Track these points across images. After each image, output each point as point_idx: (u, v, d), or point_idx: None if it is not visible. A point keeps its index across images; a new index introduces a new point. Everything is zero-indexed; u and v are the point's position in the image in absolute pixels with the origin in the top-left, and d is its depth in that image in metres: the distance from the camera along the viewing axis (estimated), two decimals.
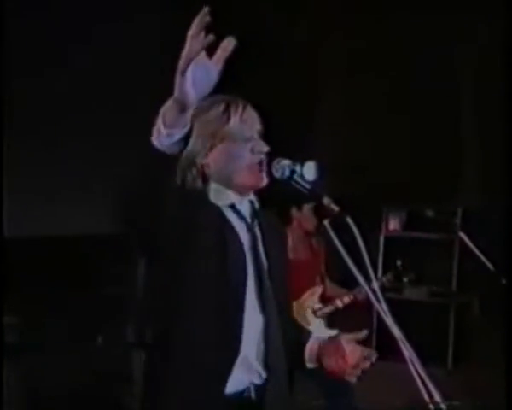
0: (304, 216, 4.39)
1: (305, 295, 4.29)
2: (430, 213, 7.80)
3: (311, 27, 10.22)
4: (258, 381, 2.27)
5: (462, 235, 4.63)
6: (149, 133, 2.01)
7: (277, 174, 2.28)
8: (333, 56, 10.82)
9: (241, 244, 2.29)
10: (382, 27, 10.02)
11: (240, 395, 2.23)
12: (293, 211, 4.47)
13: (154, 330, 2.31)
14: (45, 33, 7.24)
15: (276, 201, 2.44)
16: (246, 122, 2.32)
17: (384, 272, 4.84)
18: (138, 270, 5.60)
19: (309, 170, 4.19)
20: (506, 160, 6.85)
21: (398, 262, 4.76)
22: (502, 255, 4.62)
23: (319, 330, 4.23)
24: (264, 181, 2.32)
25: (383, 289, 4.43)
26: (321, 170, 4.36)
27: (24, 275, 6.19)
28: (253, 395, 2.25)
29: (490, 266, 4.18)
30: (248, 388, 2.25)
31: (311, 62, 10.76)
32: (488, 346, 7.22)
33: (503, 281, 4.05)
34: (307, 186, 2.26)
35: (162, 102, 1.95)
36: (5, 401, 4.56)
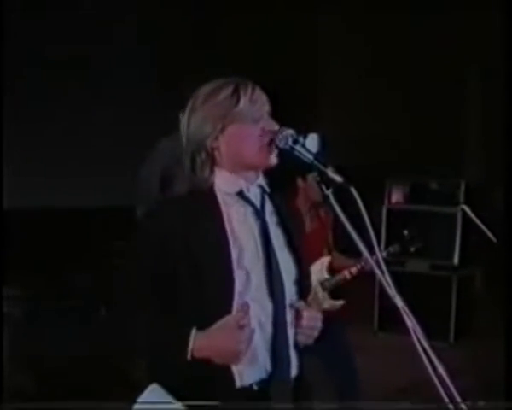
0: (309, 186, 4.35)
1: (313, 267, 4.26)
2: (433, 185, 7.81)
3: (313, 4, 10.20)
4: (264, 375, 2.26)
5: (465, 207, 4.62)
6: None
7: (280, 144, 2.27)
8: (336, 31, 10.79)
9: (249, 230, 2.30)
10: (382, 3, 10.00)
11: (246, 390, 2.23)
12: (299, 181, 4.44)
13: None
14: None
15: (281, 172, 2.42)
16: (255, 103, 2.31)
17: (387, 245, 4.79)
18: None
19: (312, 142, 4.16)
20: (509, 133, 6.80)
21: (405, 232, 4.71)
22: (504, 228, 4.59)
23: (324, 301, 4.22)
24: (274, 161, 2.31)
25: (392, 261, 4.41)
26: (323, 142, 4.33)
27: (24, 247, 6.20)
28: (257, 387, 2.25)
29: (493, 238, 4.16)
30: (255, 382, 2.25)
31: (313, 37, 10.73)
32: (490, 319, 7.23)
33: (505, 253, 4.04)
34: (310, 157, 2.25)
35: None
36: (5, 372, 4.57)
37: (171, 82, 7.64)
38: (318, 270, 4.28)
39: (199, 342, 2.17)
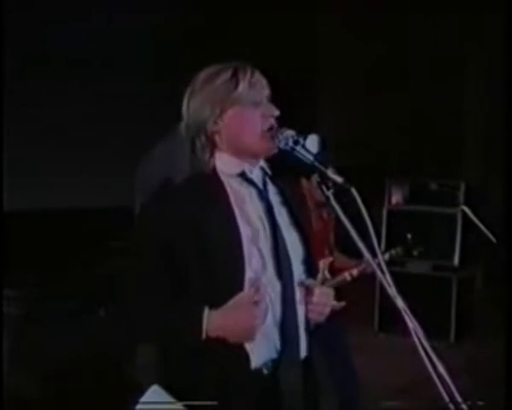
0: (313, 186, 4.34)
1: None
2: (433, 186, 7.80)
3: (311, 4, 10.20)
4: (274, 355, 2.26)
5: (465, 208, 4.62)
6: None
7: (281, 144, 2.28)
8: (336, 31, 10.78)
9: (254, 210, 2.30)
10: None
11: (257, 372, 2.24)
12: (303, 182, 4.44)
13: None
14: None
15: (284, 172, 2.43)
16: (254, 87, 2.31)
17: (387, 246, 4.80)
18: None
19: (312, 143, 4.16)
20: (509, 133, 6.82)
21: (409, 235, 4.71)
22: (504, 229, 4.59)
23: None
24: (275, 148, 2.31)
25: (392, 262, 4.41)
26: (323, 143, 4.33)
27: (24, 248, 6.19)
28: (267, 371, 2.25)
29: (493, 239, 4.16)
30: (266, 363, 2.25)
31: (313, 37, 10.73)
32: (491, 319, 7.23)
33: (505, 254, 4.04)
34: (310, 158, 2.26)
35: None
36: (5, 374, 4.57)
37: (171, 81, 7.63)
38: (320, 270, 4.28)
39: (213, 321, 2.17)
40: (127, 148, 6.88)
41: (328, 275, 4.45)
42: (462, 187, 7.61)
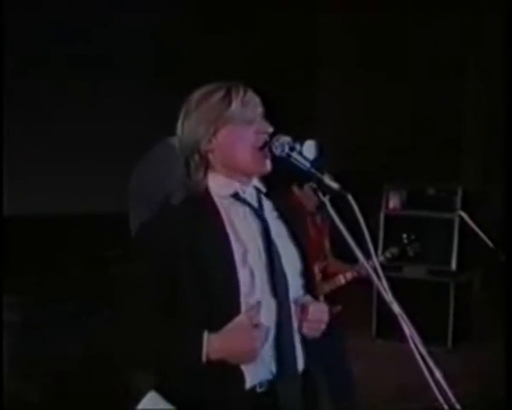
0: (306, 195, 4.35)
1: None
2: (431, 191, 7.81)
3: (310, 6, 10.21)
4: (269, 376, 2.26)
5: (463, 213, 4.61)
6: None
7: (277, 151, 2.27)
8: (335, 31, 10.80)
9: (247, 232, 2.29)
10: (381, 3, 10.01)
11: (251, 391, 2.23)
12: (295, 190, 4.45)
13: None
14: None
15: (277, 180, 2.43)
16: (247, 105, 2.32)
17: (384, 250, 4.80)
18: None
19: (308, 149, 4.16)
20: (507, 139, 6.81)
21: (404, 235, 4.72)
22: (502, 234, 4.59)
23: None
24: (268, 168, 2.31)
25: (389, 267, 4.41)
26: (320, 149, 4.34)
27: (24, 253, 6.19)
28: (261, 389, 2.24)
29: (490, 244, 4.15)
30: (260, 383, 2.24)
31: (311, 42, 10.74)
32: (488, 325, 7.24)
33: (503, 259, 4.03)
34: (307, 164, 2.25)
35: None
36: (5, 376, 4.57)
37: (171, 81, 7.64)
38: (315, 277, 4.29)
39: (212, 344, 2.17)
40: (127, 148, 6.89)
41: (321, 281, 4.46)
42: (460, 192, 7.62)
